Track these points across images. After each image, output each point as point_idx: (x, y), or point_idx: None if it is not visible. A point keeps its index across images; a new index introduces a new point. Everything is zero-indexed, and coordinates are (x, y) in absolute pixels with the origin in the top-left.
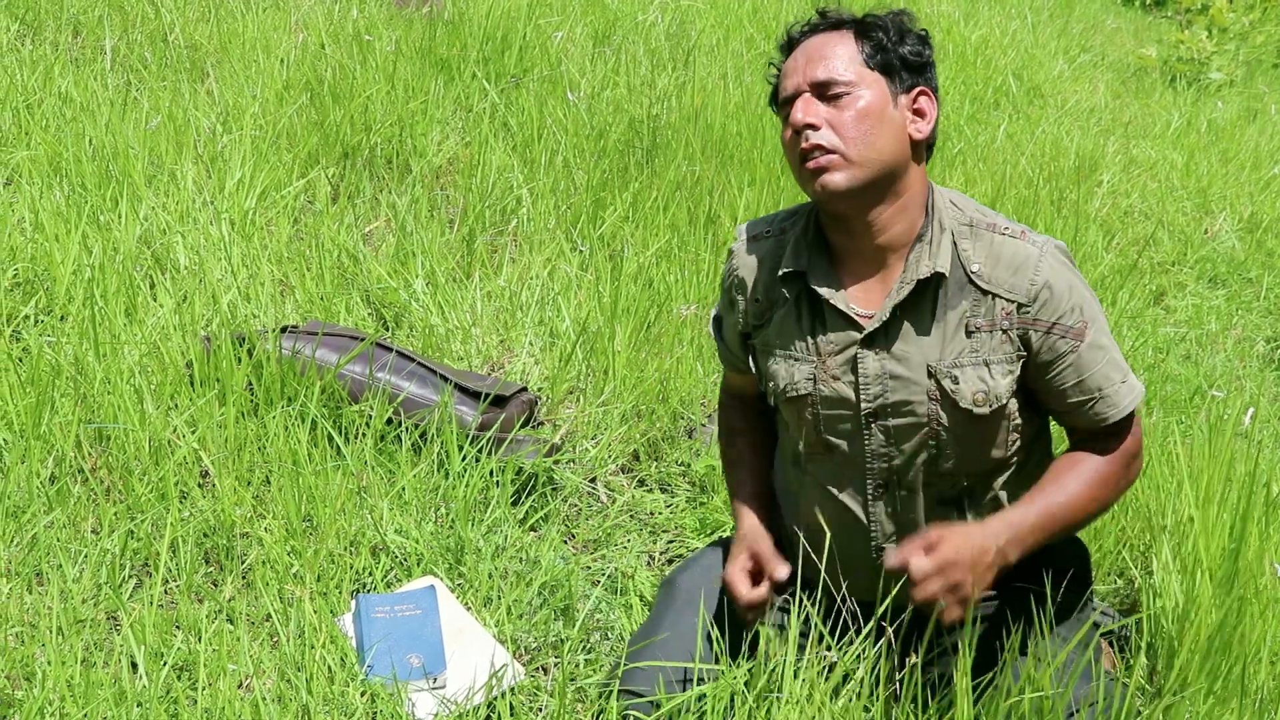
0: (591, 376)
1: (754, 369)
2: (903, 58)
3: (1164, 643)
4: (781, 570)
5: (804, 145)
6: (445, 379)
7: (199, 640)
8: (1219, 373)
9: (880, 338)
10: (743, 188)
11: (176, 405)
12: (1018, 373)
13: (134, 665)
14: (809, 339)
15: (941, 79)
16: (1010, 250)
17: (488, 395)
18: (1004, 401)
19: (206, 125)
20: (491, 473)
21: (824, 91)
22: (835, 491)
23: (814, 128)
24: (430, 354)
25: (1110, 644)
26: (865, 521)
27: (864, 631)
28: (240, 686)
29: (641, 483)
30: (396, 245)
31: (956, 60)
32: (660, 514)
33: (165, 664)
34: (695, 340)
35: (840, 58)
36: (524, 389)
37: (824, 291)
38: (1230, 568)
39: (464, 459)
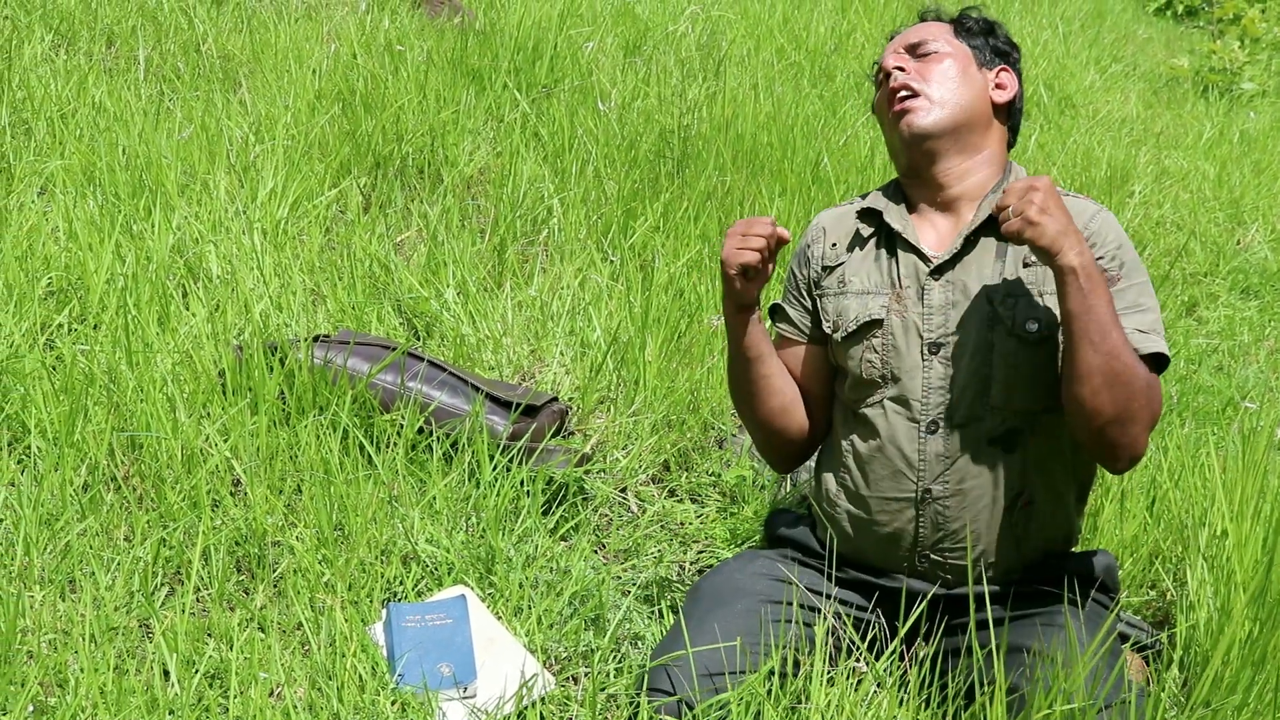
0: (622, 386)
1: (821, 317)
2: (990, 44)
3: (1196, 655)
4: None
5: (892, 85)
6: (476, 389)
7: (230, 648)
8: (1251, 384)
9: (948, 268)
10: (773, 198)
11: (209, 414)
12: None
13: (166, 673)
14: (884, 274)
15: None
16: (1070, 203)
17: (519, 405)
18: (1055, 330)
19: (239, 135)
20: (522, 482)
21: (915, 50)
22: (887, 432)
23: (902, 70)
24: (461, 364)
25: (1144, 658)
26: (915, 461)
27: (893, 644)
28: (271, 695)
29: (672, 493)
30: (428, 255)
31: None
32: (691, 524)
33: (197, 672)
34: (726, 350)
35: (933, 30)
36: (555, 399)
37: (897, 225)
38: (1264, 581)
39: (495, 469)
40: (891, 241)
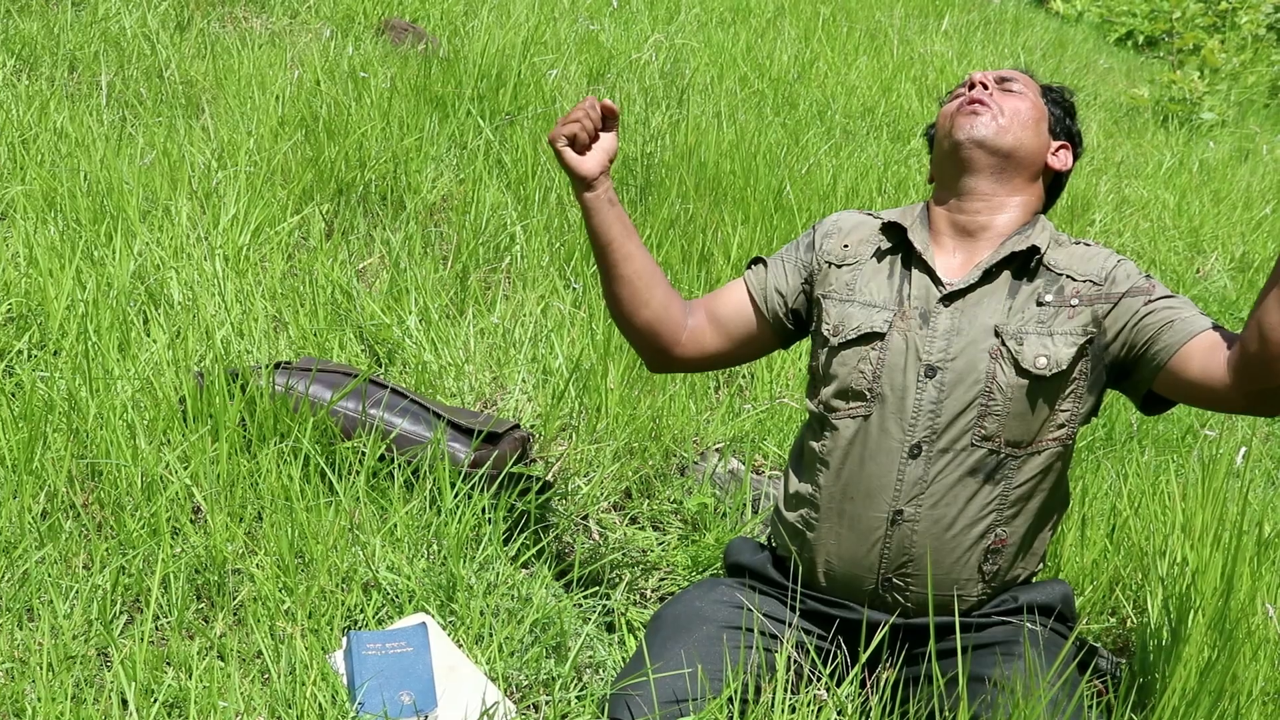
0: (584, 414)
1: (822, 320)
2: (1066, 122)
3: (1156, 683)
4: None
5: (973, 93)
6: (438, 416)
7: (190, 677)
8: (1211, 412)
9: (958, 298)
10: (736, 226)
11: (169, 441)
12: (1080, 344)
13: (124, 702)
14: (893, 291)
15: (933, 117)
16: (1084, 251)
17: (480, 432)
18: (1064, 368)
19: (201, 161)
20: (484, 510)
21: (1002, 83)
22: (867, 448)
23: (985, 87)
24: (423, 391)
25: (1104, 685)
26: (892, 481)
27: (854, 670)
28: None
29: (634, 520)
30: (390, 282)
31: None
32: (653, 551)
33: (156, 701)
34: (687, 378)
35: (1024, 78)
36: (516, 426)
37: (918, 244)
38: (1222, 608)
39: (456, 496)
40: (909, 259)
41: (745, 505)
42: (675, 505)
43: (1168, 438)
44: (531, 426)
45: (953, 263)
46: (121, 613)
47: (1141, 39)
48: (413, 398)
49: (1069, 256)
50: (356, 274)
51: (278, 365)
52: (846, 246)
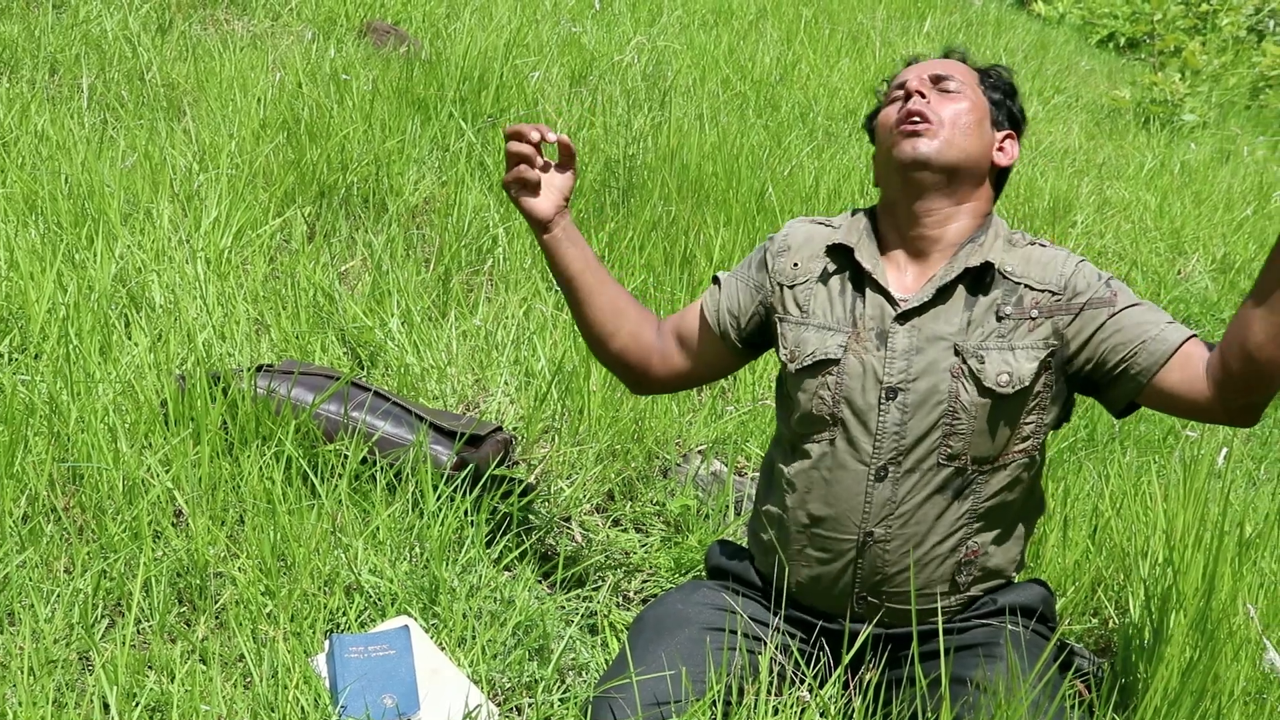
0: (566, 416)
1: (779, 344)
2: (1007, 107)
3: (1138, 683)
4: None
5: (911, 106)
6: (420, 418)
7: (172, 681)
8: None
9: (914, 316)
10: (718, 228)
11: (150, 444)
12: (1043, 357)
13: (106, 706)
14: (846, 312)
15: None
16: (1040, 254)
17: (463, 435)
18: (1026, 384)
19: (183, 164)
20: (466, 512)
21: (938, 82)
22: (833, 472)
23: (923, 96)
24: (406, 393)
25: (1086, 685)
26: (860, 504)
27: (836, 672)
28: None
29: (616, 522)
30: (372, 284)
31: None
32: (635, 554)
33: (138, 705)
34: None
35: (959, 70)
36: (499, 428)
37: (867, 265)
38: (1204, 608)
39: (439, 499)
40: (859, 278)
41: (728, 507)
42: (658, 507)
43: (1149, 439)
44: (514, 429)
45: (905, 279)
46: (103, 616)
47: (1123, 41)
48: (395, 400)
49: (1025, 261)
50: (338, 276)
51: (259, 368)
52: (796, 265)
